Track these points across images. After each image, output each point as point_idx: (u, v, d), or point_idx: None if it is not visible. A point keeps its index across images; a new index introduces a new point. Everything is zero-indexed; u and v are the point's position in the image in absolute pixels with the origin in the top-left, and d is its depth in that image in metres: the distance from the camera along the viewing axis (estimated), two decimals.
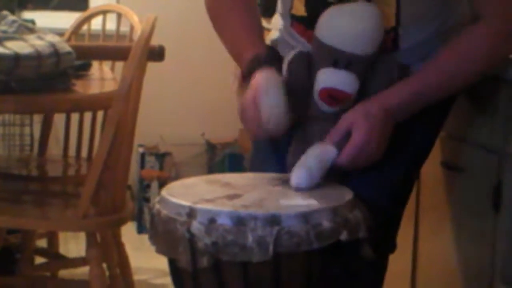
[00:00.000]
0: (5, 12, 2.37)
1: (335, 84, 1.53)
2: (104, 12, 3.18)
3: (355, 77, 1.52)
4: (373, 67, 1.55)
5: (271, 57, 1.59)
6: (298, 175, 1.47)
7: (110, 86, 2.49)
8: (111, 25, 3.20)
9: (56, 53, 2.15)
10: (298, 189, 1.46)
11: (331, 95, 1.53)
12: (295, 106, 1.51)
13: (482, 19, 1.56)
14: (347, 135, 1.50)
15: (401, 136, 1.60)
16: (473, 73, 1.59)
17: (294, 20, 1.66)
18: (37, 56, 2.10)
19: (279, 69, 1.56)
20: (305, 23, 1.63)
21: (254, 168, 1.74)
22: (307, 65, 1.57)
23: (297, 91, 1.55)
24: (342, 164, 1.50)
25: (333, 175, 1.52)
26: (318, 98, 1.54)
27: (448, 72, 1.57)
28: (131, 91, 2.20)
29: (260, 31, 1.70)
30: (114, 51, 2.59)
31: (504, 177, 1.69)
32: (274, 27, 1.78)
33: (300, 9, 1.62)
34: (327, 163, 1.49)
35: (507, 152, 1.68)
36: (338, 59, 1.52)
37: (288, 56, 1.59)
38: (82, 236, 2.33)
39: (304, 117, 1.56)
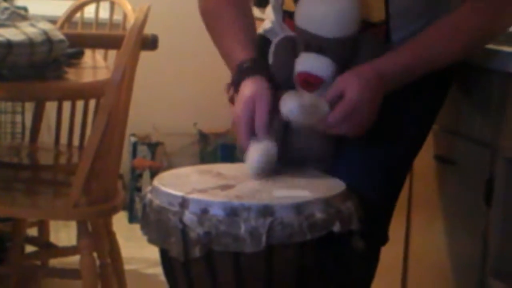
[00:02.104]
0: None
1: (307, 68, 1.52)
2: (97, 0, 3.17)
3: (328, 60, 1.51)
4: (357, 48, 1.54)
5: (258, 63, 1.58)
6: (290, 102, 1.44)
7: (102, 74, 2.48)
8: (104, 13, 3.19)
9: (48, 40, 2.13)
10: (289, 117, 1.43)
11: (305, 79, 1.52)
12: (281, 89, 1.51)
13: None
14: (340, 96, 1.48)
15: (394, 128, 1.60)
16: (464, 46, 1.58)
17: (286, 15, 1.65)
18: (30, 44, 2.09)
19: (266, 75, 1.55)
20: None
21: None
22: (292, 49, 1.56)
23: (282, 74, 1.55)
24: (335, 120, 1.47)
25: (325, 143, 1.52)
26: (297, 83, 1.53)
27: (442, 43, 1.56)
28: (123, 80, 2.19)
29: (251, 32, 1.68)
30: (107, 40, 2.58)
31: (496, 171, 1.69)
32: (268, 17, 1.77)
33: (291, 5, 1.62)
34: (320, 111, 1.46)
35: (499, 146, 1.68)
36: (309, 42, 1.51)
37: (275, 40, 1.59)
38: (73, 225, 2.32)
39: None
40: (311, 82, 1.51)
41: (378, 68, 1.51)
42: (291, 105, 1.43)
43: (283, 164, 1.56)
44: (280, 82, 1.55)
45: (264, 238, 1.30)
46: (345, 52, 1.52)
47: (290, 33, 1.63)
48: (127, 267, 2.70)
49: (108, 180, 2.28)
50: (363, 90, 1.47)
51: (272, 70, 1.57)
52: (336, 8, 1.49)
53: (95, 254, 2.34)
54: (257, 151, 1.47)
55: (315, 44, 1.50)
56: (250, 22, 1.70)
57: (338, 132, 1.49)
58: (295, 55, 1.55)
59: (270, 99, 1.51)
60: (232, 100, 1.57)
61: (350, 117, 1.47)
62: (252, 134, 1.50)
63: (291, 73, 1.55)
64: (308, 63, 1.52)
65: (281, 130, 1.51)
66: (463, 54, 1.60)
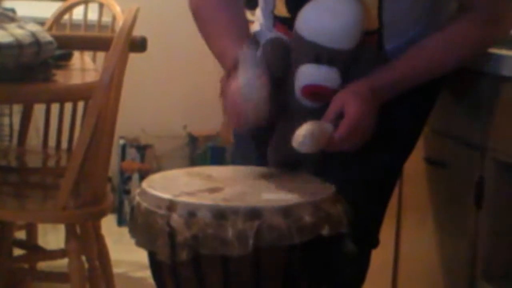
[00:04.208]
0: None
1: (318, 81, 1.52)
2: (86, 2, 3.16)
3: (337, 71, 1.51)
4: (355, 59, 1.54)
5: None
6: (302, 135, 1.43)
7: (91, 76, 2.47)
8: (93, 15, 3.18)
9: (37, 42, 2.12)
10: (301, 148, 1.42)
11: (315, 91, 1.52)
12: (271, 92, 1.50)
13: (469, 8, 1.57)
14: (340, 115, 1.49)
15: (384, 132, 1.60)
16: (458, 59, 1.59)
17: (277, 20, 1.64)
18: (18, 45, 2.08)
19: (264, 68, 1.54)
20: (288, 24, 1.61)
21: (235, 161, 1.73)
22: (283, 51, 1.55)
23: (272, 74, 1.53)
24: (340, 139, 1.47)
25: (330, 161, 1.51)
26: (301, 95, 1.53)
27: (434, 58, 1.57)
28: (112, 82, 2.18)
29: (246, 31, 1.67)
30: (95, 41, 2.57)
31: (486, 173, 1.69)
32: (257, 19, 1.76)
33: (282, 10, 1.61)
34: (326, 134, 1.47)
35: (489, 148, 1.68)
36: (320, 55, 1.50)
37: (264, 40, 1.58)
38: (61, 228, 2.31)
39: (283, 111, 1.54)
40: (321, 94, 1.51)
41: (373, 83, 1.52)
42: (301, 138, 1.43)
43: (275, 166, 1.56)
44: (270, 83, 1.54)
45: (251, 241, 1.29)
46: (348, 62, 1.52)
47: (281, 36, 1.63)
48: (115, 270, 2.69)
49: (97, 183, 2.27)
50: (362, 107, 1.48)
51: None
52: (349, 20, 1.50)
53: (83, 257, 2.33)
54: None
55: (326, 56, 1.50)
56: (244, 20, 1.70)
57: (341, 149, 1.49)
58: (286, 58, 1.54)
59: (269, 84, 1.49)
60: (223, 95, 1.55)
61: (353, 134, 1.48)
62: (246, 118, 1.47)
63: (282, 74, 1.54)
64: (317, 75, 1.52)
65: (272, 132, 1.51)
66: (458, 65, 1.61)
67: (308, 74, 1.52)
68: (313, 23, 1.51)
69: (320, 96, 1.52)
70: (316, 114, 1.51)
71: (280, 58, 1.55)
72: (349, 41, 1.51)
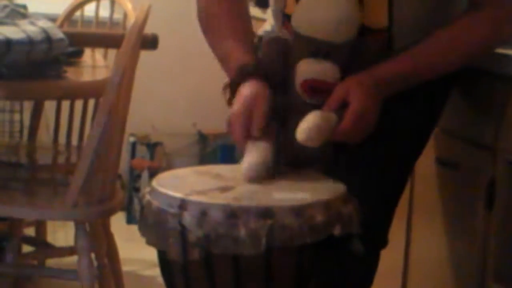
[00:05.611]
0: None
1: (316, 75, 1.51)
2: None
3: (335, 66, 1.51)
4: (356, 53, 1.53)
5: (260, 67, 1.56)
6: (307, 128, 1.42)
7: (102, 73, 2.47)
8: (104, 12, 3.18)
9: (48, 39, 2.13)
10: (306, 143, 1.42)
11: (313, 86, 1.51)
12: (272, 91, 1.50)
13: (479, 5, 1.56)
14: (343, 105, 1.48)
15: (395, 131, 1.60)
16: (464, 56, 1.58)
17: (286, 19, 1.64)
18: (29, 42, 2.08)
19: (266, 80, 1.53)
20: None
21: None
22: (283, 49, 1.55)
23: (272, 73, 1.53)
24: (345, 130, 1.46)
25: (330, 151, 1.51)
26: (300, 90, 1.52)
27: (440, 54, 1.56)
28: (123, 80, 2.18)
29: (250, 38, 1.67)
30: (107, 39, 2.57)
31: (497, 174, 1.68)
32: (269, 18, 1.76)
33: (292, 9, 1.60)
34: (330, 126, 1.46)
35: (501, 149, 1.68)
36: (316, 49, 1.50)
37: (264, 39, 1.58)
38: (70, 225, 2.31)
39: (289, 110, 1.54)
40: (319, 88, 1.50)
41: (376, 75, 1.51)
42: (307, 132, 1.42)
43: (282, 165, 1.55)
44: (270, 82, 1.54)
45: (264, 241, 1.29)
46: (346, 56, 1.52)
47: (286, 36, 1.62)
48: (125, 268, 2.70)
49: (107, 180, 2.27)
50: (366, 97, 1.47)
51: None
52: (344, 12, 1.49)
53: (92, 255, 2.33)
54: (252, 156, 1.45)
55: (322, 50, 1.49)
56: (249, 26, 1.69)
57: (345, 140, 1.48)
58: (286, 57, 1.54)
59: (269, 101, 1.50)
60: (230, 102, 1.55)
61: (358, 125, 1.47)
62: (248, 134, 1.49)
63: (281, 73, 1.54)
64: (314, 69, 1.51)
65: (278, 131, 1.50)
66: (462, 64, 1.59)
67: (306, 69, 1.52)
68: (307, 17, 1.51)
69: (320, 91, 1.51)
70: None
71: (280, 56, 1.55)
72: (343, 34, 1.50)
